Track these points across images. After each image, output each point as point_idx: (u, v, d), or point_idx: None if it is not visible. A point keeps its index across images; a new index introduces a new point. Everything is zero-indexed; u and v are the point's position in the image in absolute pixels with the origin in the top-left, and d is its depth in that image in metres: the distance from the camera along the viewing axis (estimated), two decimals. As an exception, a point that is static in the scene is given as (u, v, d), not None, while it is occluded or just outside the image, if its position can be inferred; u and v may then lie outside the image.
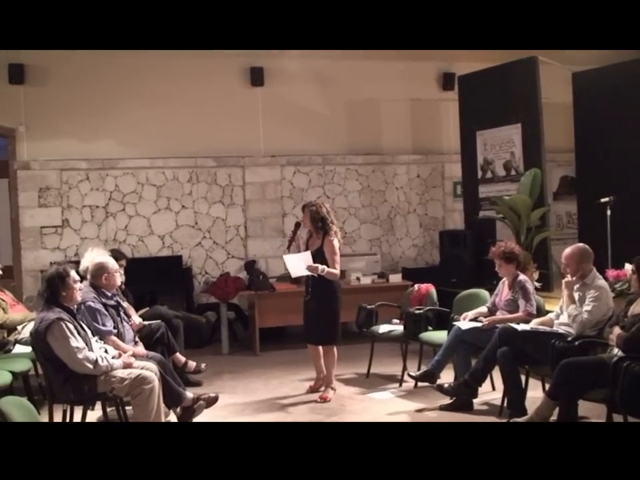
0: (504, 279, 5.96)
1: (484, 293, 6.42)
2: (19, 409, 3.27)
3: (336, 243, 6.11)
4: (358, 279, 8.40)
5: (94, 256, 5.65)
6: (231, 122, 9.16)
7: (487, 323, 5.64)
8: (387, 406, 5.93)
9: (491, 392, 6.00)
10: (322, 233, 6.10)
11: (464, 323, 5.83)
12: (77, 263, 5.94)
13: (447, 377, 5.95)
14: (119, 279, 5.68)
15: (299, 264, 6.03)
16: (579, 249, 5.22)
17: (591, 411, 5.08)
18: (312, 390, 6.39)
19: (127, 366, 4.82)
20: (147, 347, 5.58)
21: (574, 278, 5.14)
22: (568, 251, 5.22)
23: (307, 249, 6.16)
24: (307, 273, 6.00)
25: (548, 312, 5.68)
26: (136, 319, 5.96)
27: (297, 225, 6.30)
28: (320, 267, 5.94)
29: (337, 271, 6.10)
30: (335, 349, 6.23)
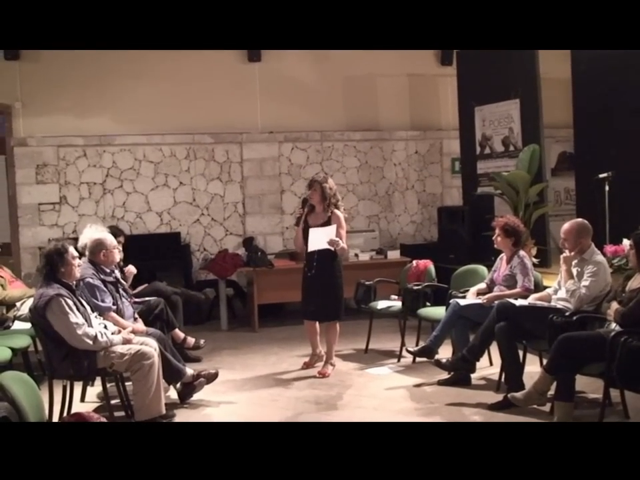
0: (502, 254, 5.97)
1: (482, 268, 6.43)
2: (19, 384, 3.29)
3: (343, 218, 6.12)
4: (356, 255, 8.42)
5: (92, 232, 5.65)
6: (228, 98, 9.11)
7: (486, 300, 5.64)
8: (386, 381, 5.96)
9: (488, 367, 6.04)
10: (330, 208, 6.09)
11: (463, 299, 5.83)
12: (75, 239, 5.94)
13: (444, 352, 5.97)
14: (118, 255, 5.68)
15: (321, 237, 5.98)
16: (577, 224, 5.21)
17: (588, 385, 5.12)
18: (307, 366, 6.40)
19: (127, 342, 4.84)
20: (146, 323, 5.60)
21: (572, 253, 5.14)
22: (567, 225, 5.22)
23: (306, 224, 6.15)
24: (326, 247, 5.97)
25: (546, 287, 5.68)
26: (130, 268, 6.11)
27: (305, 201, 6.27)
28: (340, 241, 5.95)
29: (346, 246, 6.15)
30: (337, 325, 6.25)
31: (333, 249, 5.98)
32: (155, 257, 8.39)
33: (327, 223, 6.07)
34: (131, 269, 6.19)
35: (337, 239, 5.95)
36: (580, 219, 5.33)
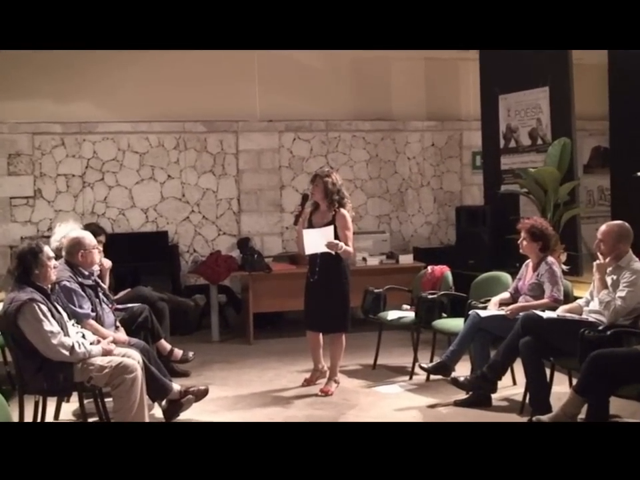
0: (528, 260, 5.96)
1: (505, 276, 6.43)
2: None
3: (349, 218, 6.11)
4: (364, 259, 8.42)
5: (66, 230, 5.66)
6: (223, 82, 9.11)
7: (509, 311, 5.63)
8: (396, 401, 5.95)
9: (511, 386, 6.03)
10: (335, 206, 6.09)
11: (483, 310, 5.82)
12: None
13: (462, 369, 5.98)
14: (98, 256, 5.67)
15: (317, 240, 5.98)
16: (618, 226, 5.18)
17: (623, 409, 5.11)
18: (308, 383, 6.40)
19: (107, 353, 4.83)
20: (128, 333, 5.60)
21: (607, 260, 5.12)
22: (605, 227, 5.18)
23: (310, 224, 6.15)
24: (324, 250, 5.97)
25: (576, 298, 5.68)
26: (105, 261, 6.06)
27: (305, 198, 6.27)
28: (340, 243, 5.93)
29: (352, 249, 6.13)
30: (343, 337, 6.24)
31: (332, 252, 5.97)
32: (139, 258, 8.41)
33: (332, 222, 6.07)
34: (106, 263, 6.14)
35: (337, 241, 5.94)
36: (621, 222, 5.28)
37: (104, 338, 5.05)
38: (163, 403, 5.32)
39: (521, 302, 5.79)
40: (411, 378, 6.55)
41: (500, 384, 5.62)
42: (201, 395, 5.44)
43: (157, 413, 5.42)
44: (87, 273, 5.48)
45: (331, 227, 6.00)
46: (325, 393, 6.10)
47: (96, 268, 5.71)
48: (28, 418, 4.89)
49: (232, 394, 6.20)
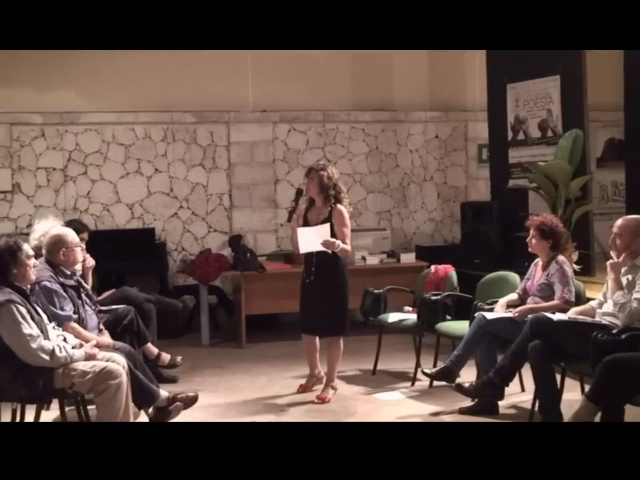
0: (537, 259, 5.96)
1: (513, 276, 6.43)
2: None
3: (347, 214, 6.11)
4: (364, 258, 8.43)
5: (46, 227, 5.66)
6: (214, 70, 9.10)
7: (518, 313, 5.63)
8: (397, 408, 5.96)
9: (519, 393, 6.05)
10: (332, 201, 6.08)
11: (490, 312, 5.82)
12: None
13: (468, 375, 5.99)
14: (80, 254, 5.66)
15: (312, 238, 5.98)
16: (636, 220, 5.14)
17: (639, 417, 5.11)
18: (303, 389, 6.41)
19: (90, 357, 4.82)
20: (113, 336, 5.60)
21: (621, 258, 5.11)
22: (622, 220, 5.14)
23: (305, 221, 6.14)
24: (320, 249, 5.97)
25: (589, 299, 5.68)
26: (88, 260, 6.05)
27: (299, 193, 6.27)
28: (337, 242, 5.93)
29: (350, 247, 6.13)
30: (341, 340, 6.25)
31: (329, 251, 5.97)
32: (125, 257, 8.42)
33: (328, 219, 6.06)
34: (89, 261, 6.13)
35: (333, 239, 5.94)
36: (638, 215, 5.27)
37: (87, 341, 5.03)
38: (150, 410, 5.32)
39: (530, 303, 5.79)
40: (413, 384, 6.55)
41: (507, 390, 5.61)
42: (189, 402, 5.45)
43: (143, 420, 5.41)
44: (68, 272, 5.46)
45: (327, 225, 5.99)
46: (322, 400, 6.11)
47: (78, 267, 5.70)
48: (6, 426, 4.89)
49: (223, 401, 6.21)
